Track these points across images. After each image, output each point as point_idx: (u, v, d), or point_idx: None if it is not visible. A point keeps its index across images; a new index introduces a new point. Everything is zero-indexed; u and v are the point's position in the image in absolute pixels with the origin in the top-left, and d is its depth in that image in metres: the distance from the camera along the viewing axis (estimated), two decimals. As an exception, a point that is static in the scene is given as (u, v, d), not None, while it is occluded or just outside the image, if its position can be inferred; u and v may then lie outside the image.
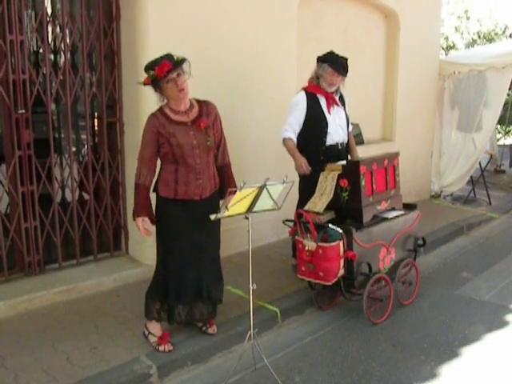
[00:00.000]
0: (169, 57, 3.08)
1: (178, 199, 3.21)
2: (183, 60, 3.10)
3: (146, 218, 3.21)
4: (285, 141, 4.31)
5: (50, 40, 4.19)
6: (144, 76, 3.17)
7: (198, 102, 3.30)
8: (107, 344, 3.35)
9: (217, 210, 3.26)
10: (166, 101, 3.20)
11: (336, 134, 4.33)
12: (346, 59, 4.25)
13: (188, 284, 3.28)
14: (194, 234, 3.26)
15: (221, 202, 3.35)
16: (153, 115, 3.19)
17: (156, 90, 3.17)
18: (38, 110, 4.11)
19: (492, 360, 3.41)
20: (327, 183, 3.90)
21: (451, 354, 3.47)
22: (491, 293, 4.49)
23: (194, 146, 3.15)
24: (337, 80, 4.24)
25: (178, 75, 3.07)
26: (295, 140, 4.28)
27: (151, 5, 4.18)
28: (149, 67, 3.10)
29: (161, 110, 3.19)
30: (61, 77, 4.17)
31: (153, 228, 3.29)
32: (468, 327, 3.84)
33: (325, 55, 4.26)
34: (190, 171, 3.17)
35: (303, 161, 4.15)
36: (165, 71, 3.02)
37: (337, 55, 4.24)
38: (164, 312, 3.34)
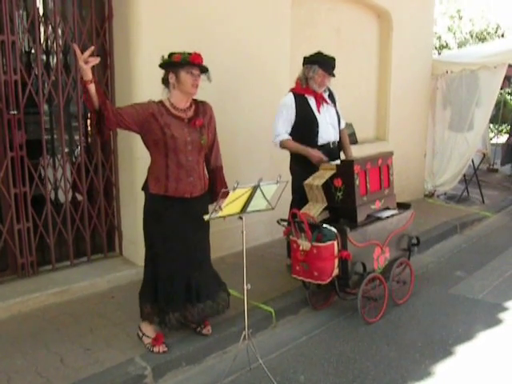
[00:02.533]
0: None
1: (168, 196, 3.17)
2: (207, 70, 3.22)
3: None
4: (283, 143, 4.26)
5: (41, 40, 4.17)
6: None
7: (195, 101, 3.32)
8: (101, 345, 3.33)
9: (206, 210, 3.26)
10: (169, 94, 3.21)
11: (327, 133, 4.32)
12: (334, 59, 4.23)
13: (177, 288, 3.24)
14: (184, 233, 3.23)
15: (211, 206, 3.35)
16: (154, 101, 3.20)
17: (168, 74, 3.16)
18: (31, 110, 4.08)
19: (486, 358, 3.42)
20: (315, 193, 3.89)
21: (445, 352, 3.48)
22: (485, 291, 4.51)
23: (188, 142, 3.16)
24: (327, 81, 4.24)
25: (199, 75, 3.17)
26: (291, 137, 4.25)
27: (144, 4, 4.17)
28: (182, 52, 3.13)
29: (161, 102, 3.21)
30: (53, 77, 4.15)
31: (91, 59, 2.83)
32: (462, 326, 3.85)
33: (313, 56, 4.23)
34: (180, 167, 3.16)
35: (317, 153, 4.11)
36: (196, 61, 3.10)
37: (326, 56, 4.21)
38: (155, 315, 3.30)
